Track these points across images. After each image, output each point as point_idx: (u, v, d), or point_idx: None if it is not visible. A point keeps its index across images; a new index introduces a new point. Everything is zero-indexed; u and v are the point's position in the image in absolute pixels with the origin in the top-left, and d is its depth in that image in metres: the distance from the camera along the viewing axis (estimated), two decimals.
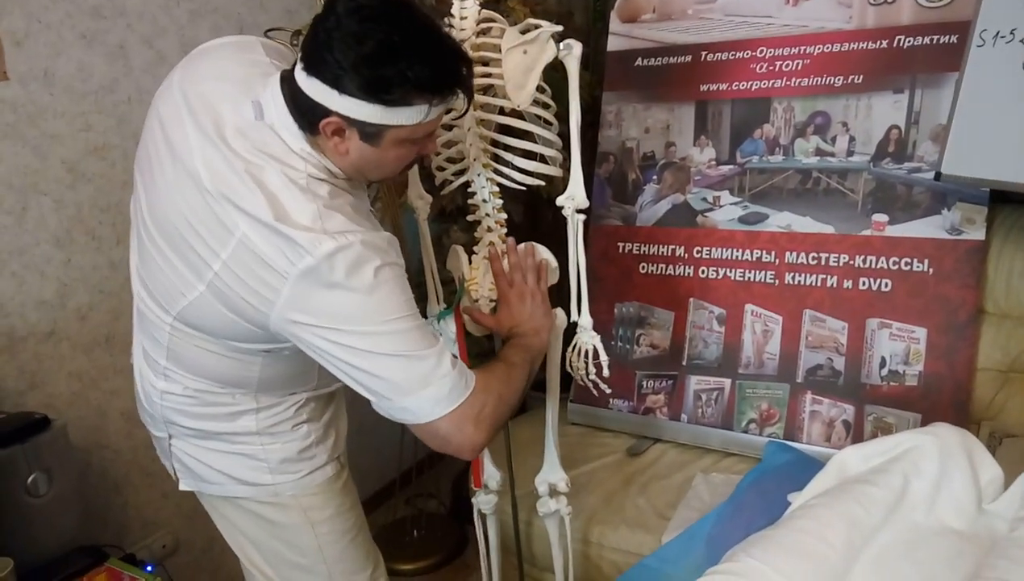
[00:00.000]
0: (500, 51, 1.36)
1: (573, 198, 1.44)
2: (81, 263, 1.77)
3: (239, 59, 1.15)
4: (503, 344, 1.35)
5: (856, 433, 1.86)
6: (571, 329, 1.53)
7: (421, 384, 1.07)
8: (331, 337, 1.05)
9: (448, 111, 1.15)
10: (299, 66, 1.03)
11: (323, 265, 1.00)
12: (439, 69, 1.04)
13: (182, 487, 1.35)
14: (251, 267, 1.04)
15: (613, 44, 2.26)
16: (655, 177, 2.19)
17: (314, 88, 1.02)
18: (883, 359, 1.86)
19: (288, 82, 1.06)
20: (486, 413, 1.11)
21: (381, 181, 1.20)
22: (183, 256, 1.09)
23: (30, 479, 1.50)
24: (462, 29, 1.37)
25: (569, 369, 1.55)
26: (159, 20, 1.86)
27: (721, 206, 2.09)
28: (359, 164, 1.11)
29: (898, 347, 1.85)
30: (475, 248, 1.50)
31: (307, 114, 1.05)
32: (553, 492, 1.60)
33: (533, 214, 2.37)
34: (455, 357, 1.12)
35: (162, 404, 1.26)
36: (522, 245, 1.45)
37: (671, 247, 2.14)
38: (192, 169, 1.05)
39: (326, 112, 1.03)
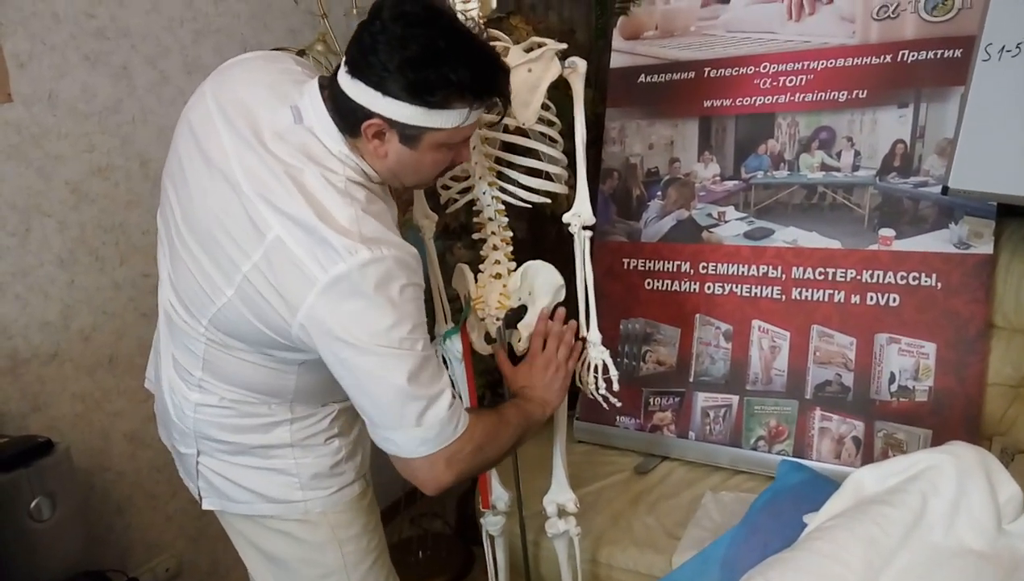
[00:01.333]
0: None
1: (579, 215, 1.43)
2: (84, 284, 1.77)
3: (270, 68, 1.18)
4: (510, 396, 1.36)
5: (866, 450, 1.84)
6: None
7: (413, 422, 1.07)
8: (345, 353, 1.05)
9: (485, 121, 1.18)
10: (343, 69, 1.06)
11: (355, 274, 1.01)
12: (479, 74, 1.06)
13: (205, 506, 1.33)
14: (280, 270, 1.04)
15: (616, 61, 2.27)
16: (659, 193, 2.18)
17: (358, 90, 1.04)
18: (892, 375, 1.84)
19: (329, 87, 1.09)
20: (461, 458, 1.12)
21: (415, 187, 1.22)
22: (215, 260, 1.10)
23: (33, 504, 1.48)
24: None
25: (579, 384, 1.54)
26: (163, 41, 1.86)
27: (726, 222, 2.08)
28: (396, 168, 1.12)
29: (907, 362, 1.83)
30: (481, 266, 1.50)
31: (349, 117, 1.07)
32: (562, 512, 1.59)
33: (536, 231, 2.37)
34: (454, 396, 1.11)
35: (195, 417, 1.25)
36: (537, 262, 1.44)
37: (676, 263, 2.13)
38: (228, 172, 1.07)
39: (368, 114, 1.05)
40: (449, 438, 1.10)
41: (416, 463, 1.10)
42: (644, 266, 2.17)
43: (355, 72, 1.04)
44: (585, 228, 1.44)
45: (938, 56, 1.84)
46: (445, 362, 1.59)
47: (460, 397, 1.20)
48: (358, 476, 1.34)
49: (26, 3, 1.62)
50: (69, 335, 1.75)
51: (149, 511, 1.95)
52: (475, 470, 1.20)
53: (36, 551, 1.50)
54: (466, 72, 1.04)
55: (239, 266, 1.07)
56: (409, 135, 1.08)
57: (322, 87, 1.10)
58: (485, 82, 1.08)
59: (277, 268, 1.04)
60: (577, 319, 1.49)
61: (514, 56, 1.35)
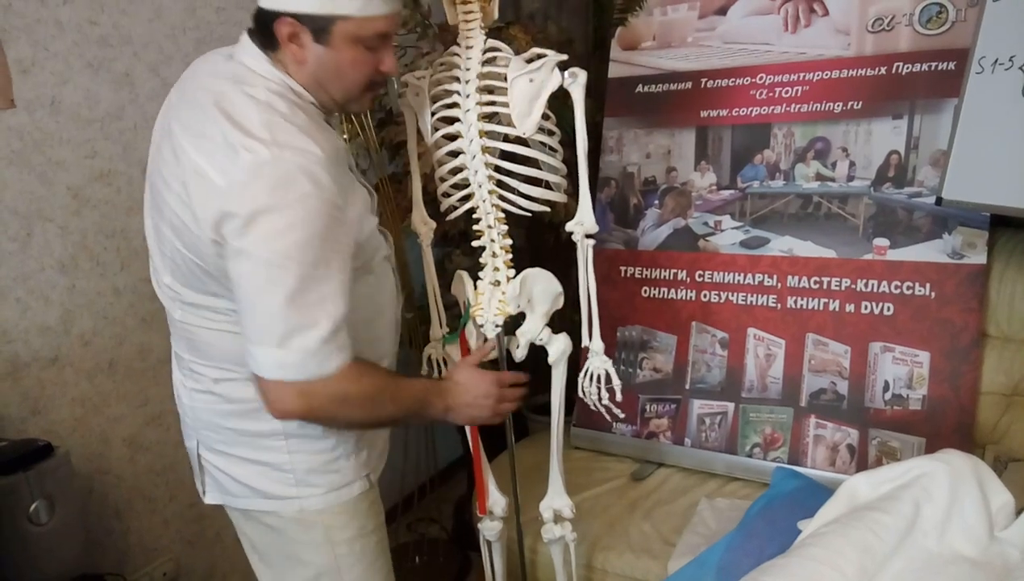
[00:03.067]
0: (505, 80, 1.38)
1: (582, 223, 1.45)
2: (85, 289, 1.77)
3: (221, 51, 1.24)
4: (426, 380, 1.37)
5: (860, 457, 1.85)
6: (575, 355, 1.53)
7: (276, 342, 1.07)
8: (240, 261, 1.07)
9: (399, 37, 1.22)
10: None
11: (252, 174, 1.04)
12: None
13: (207, 500, 1.34)
14: (192, 186, 1.09)
15: (614, 71, 2.29)
16: (656, 202, 2.20)
17: None
18: (886, 383, 1.86)
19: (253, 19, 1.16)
20: (318, 399, 1.11)
21: (346, 101, 1.21)
22: (158, 208, 1.17)
23: (32, 507, 1.49)
24: (468, 58, 1.39)
25: (581, 394, 1.55)
26: (165, 48, 1.87)
27: (722, 230, 2.10)
28: (318, 73, 1.15)
29: (901, 371, 1.85)
30: (480, 273, 1.51)
31: (265, 28, 1.13)
32: (558, 518, 1.60)
33: (535, 238, 2.39)
34: (335, 332, 1.09)
35: (191, 405, 1.29)
36: (535, 270, 1.45)
37: (673, 271, 2.15)
38: (169, 129, 1.15)
39: (276, 15, 1.10)
40: (312, 372, 1.08)
41: (268, 384, 1.10)
42: (641, 274, 2.19)
43: None
44: (588, 236, 1.45)
45: (932, 68, 1.87)
46: (443, 366, 1.60)
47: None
48: (358, 476, 1.31)
49: (30, 10, 1.63)
50: (69, 340, 1.76)
51: (147, 515, 1.95)
52: (332, 419, 1.18)
53: (35, 554, 1.51)
54: None
55: (167, 200, 1.13)
56: (319, 28, 1.10)
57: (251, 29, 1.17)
58: None
59: (190, 188, 1.09)
60: (576, 328, 1.51)
61: (515, 66, 1.37)
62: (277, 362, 1.08)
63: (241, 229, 1.05)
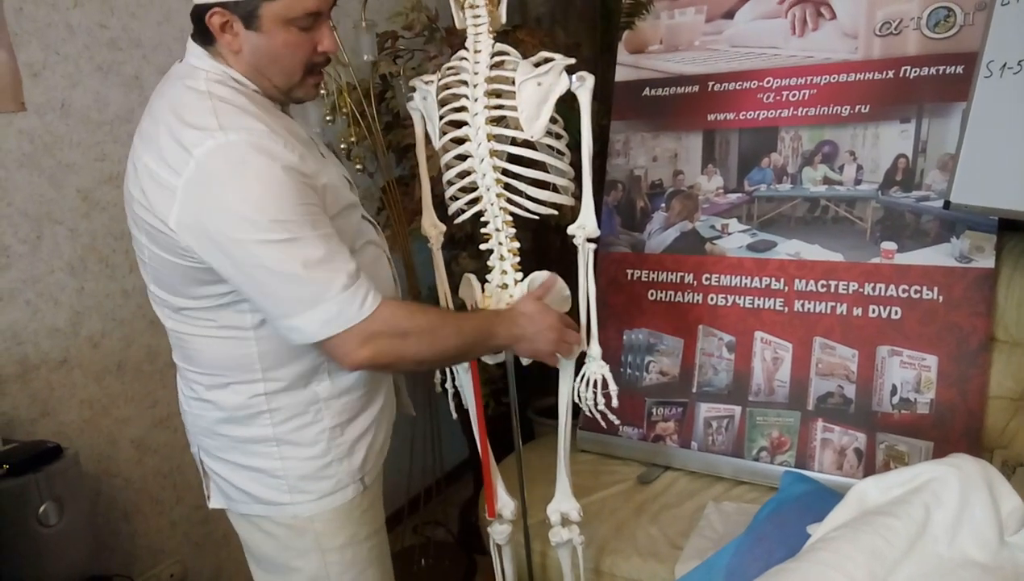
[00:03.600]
0: (513, 84, 1.38)
1: (584, 227, 1.45)
2: (94, 291, 1.78)
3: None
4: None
5: (868, 461, 1.85)
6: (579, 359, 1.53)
7: (310, 303, 1.08)
8: (226, 252, 1.07)
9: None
10: None
11: (205, 163, 1.05)
12: None
13: (211, 505, 1.35)
14: (149, 191, 1.10)
15: (621, 74, 2.29)
16: (663, 205, 2.20)
17: None
18: (894, 387, 1.86)
19: None
20: (378, 339, 1.13)
21: (286, 88, 1.20)
22: (133, 220, 1.18)
23: (42, 509, 1.49)
24: (476, 62, 1.39)
25: (577, 399, 1.55)
26: (174, 51, 1.88)
27: (729, 234, 2.10)
28: (255, 61, 1.15)
29: (909, 375, 1.85)
30: (487, 276, 1.51)
31: (199, 23, 1.14)
32: (565, 521, 1.60)
33: (541, 241, 2.39)
34: (352, 276, 1.10)
35: (190, 413, 1.30)
36: (543, 273, 1.46)
37: (680, 274, 2.14)
38: (133, 144, 1.17)
39: (207, 8, 1.11)
40: (355, 316, 1.10)
41: (328, 344, 1.12)
42: (648, 277, 2.19)
43: None
44: (589, 240, 1.45)
45: (940, 72, 1.86)
46: (453, 371, 1.60)
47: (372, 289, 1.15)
48: (352, 480, 1.30)
49: (40, 14, 1.64)
50: (78, 341, 1.76)
51: (155, 517, 1.96)
52: (401, 358, 1.18)
53: (43, 556, 1.51)
54: None
55: (136, 211, 1.14)
56: (248, 14, 1.10)
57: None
58: None
59: (148, 193, 1.10)
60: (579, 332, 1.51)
61: (523, 70, 1.37)
62: (321, 321, 1.10)
63: (213, 223, 1.06)
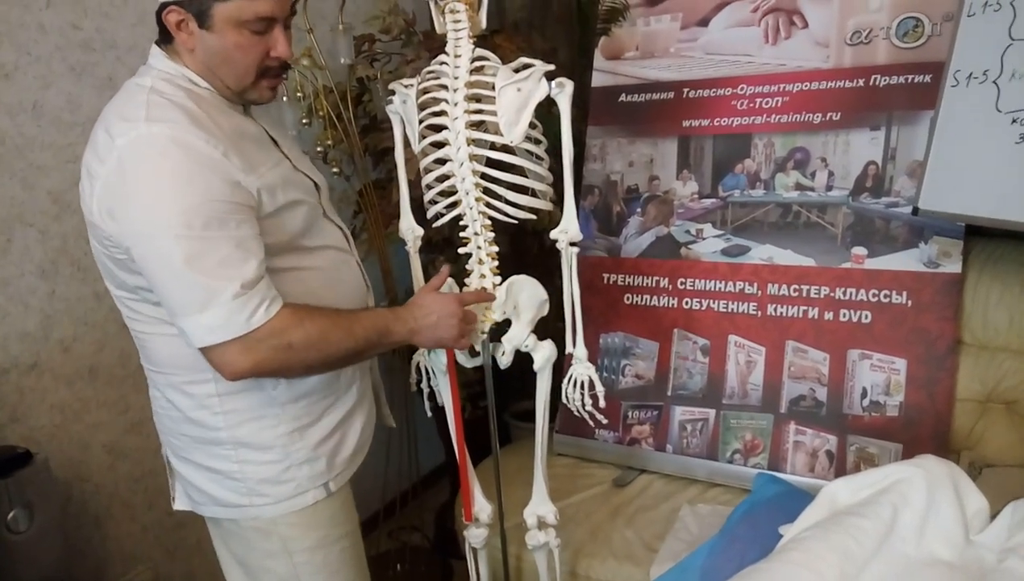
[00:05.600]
0: (493, 89, 1.39)
1: (567, 231, 1.47)
2: (66, 294, 1.76)
3: None
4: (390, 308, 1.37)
5: (839, 463, 1.88)
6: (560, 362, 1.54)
7: (199, 307, 1.08)
8: (136, 244, 1.08)
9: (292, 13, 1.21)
10: None
11: (125, 154, 1.06)
12: None
13: (176, 506, 1.35)
14: (84, 180, 1.13)
15: (597, 80, 2.31)
16: (639, 209, 2.22)
17: None
18: (864, 390, 1.89)
19: None
20: (262, 349, 1.11)
21: (238, 88, 1.20)
22: (87, 224, 1.18)
23: (11, 515, 1.48)
24: (456, 67, 1.40)
25: (565, 400, 1.56)
26: (148, 53, 1.86)
27: (704, 238, 2.12)
28: (208, 60, 1.16)
29: (879, 378, 1.88)
30: (466, 280, 1.52)
31: (158, 22, 1.15)
32: (542, 524, 1.61)
33: (518, 245, 2.40)
34: (246, 287, 1.09)
35: (155, 411, 1.31)
36: (522, 277, 1.46)
37: (655, 278, 2.16)
38: None
39: (164, 5, 1.13)
40: (241, 328, 1.09)
41: (209, 351, 1.11)
42: (624, 281, 2.21)
43: None
44: (572, 244, 1.47)
45: (909, 81, 1.90)
46: (430, 373, 1.61)
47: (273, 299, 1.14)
48: (314, 485, 1.29)
49: (13, 14, 1.62)
50: (49, 346, 1.74)
51: (126, 522, 1.93)
52: (288, 368, 1.17)
53: (13, 562, 1.49)
54: None
55: (82, 207, 1.15)
56: (200, 13, 1.12)
57: None
58: None
59: (84, 185, 1.13)
60: (560, 335, 1.52)
61: (503, 76, 1.38)
62: (205, 327, 1.09)
63: (124, 213, 1.08)
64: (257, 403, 1.23)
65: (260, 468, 1.25)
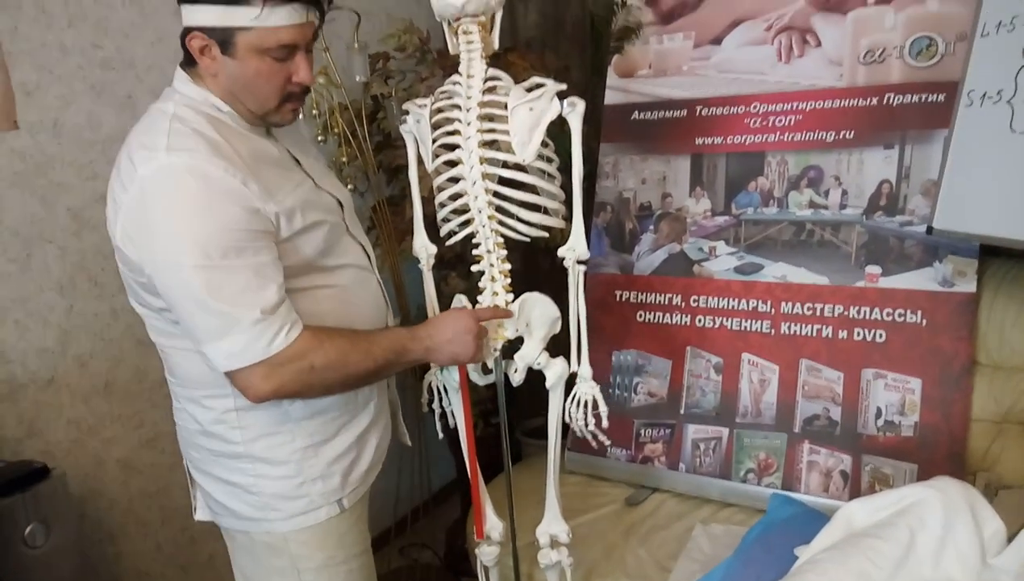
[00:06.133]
0: (506, 108, 1.40)
1: (574, 249, 1.47)
2: (83, 310, 1.78)
3: None
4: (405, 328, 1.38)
5: (853, 483, 1.86)
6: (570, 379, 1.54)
7: (219, 334, 1.10)
8: (150, 268, 1.10)
9: (315, 35, 1.22)
10: None
11: (145, 183, 1.08)
12: None
13: (197, 517, 1.37)
14: (109, 205, 1.15)
15: (610, 98, 2.32)
16: (652, 227, 2.22)
17: (182, 14, 1.15)
18: (879, 409, 1.88)
19: None
20: (283, 372, 1.14)
21: (261, 112, 1.22)
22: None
23: (28, 530, 1.48)
24: (469, 87, 1.41)
25: (568, 420, 1.55)
26: (167, 72, 1.85)
27: (717, 256, 2.12)
28: (230, 85, 1.17)
29: (893, 398, 1.87)
30: (478, 297, 1.52)
31: (183, 46, 1.17)
32: (554, 543, 1.60)
33: (530, 262, 2.40)
34: (267, 313, 1.11)
35: (178, 424, 1.33)
36: (535, 294, 1.47)
37: (668, 296, 2.16)
38: None
39: (188, 31, 1.15)
40: (262, 353, 1.11)
41: (233, 375, 1.14)
42: (636, 298, 2.21)
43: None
44: (579, 262, 1.47)
45: (922, 100, 1.90)
46: (442, 392, 1.61)
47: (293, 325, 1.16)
48: (327, 502, 1.29)
49: (35, 34, 1.65)
50: (66, 361, 1.76)
51: (140, 539, 1.94)
52: (309, 389, 1.19)
53: (29, 577, 1.50)
54: None
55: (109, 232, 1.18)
56: (223, 40, 1.13)
57: None
58: None
59: (108, 207, 1.16)
60: (568, 353, 1.52)
61: (515, 95, 1.39)
62: (227, 353, 1.11)
63: (145, 242, 1.10)
64: (273, 419, 1.25)
65: (275, 483, 1.26)
